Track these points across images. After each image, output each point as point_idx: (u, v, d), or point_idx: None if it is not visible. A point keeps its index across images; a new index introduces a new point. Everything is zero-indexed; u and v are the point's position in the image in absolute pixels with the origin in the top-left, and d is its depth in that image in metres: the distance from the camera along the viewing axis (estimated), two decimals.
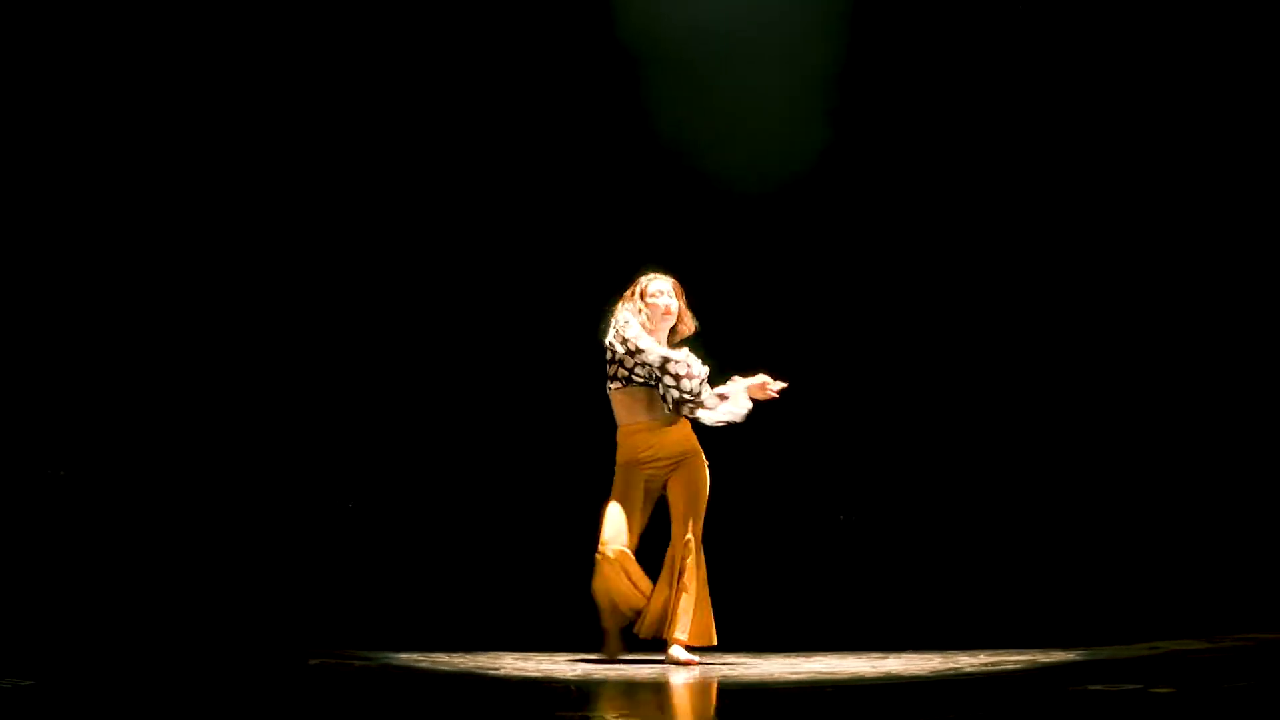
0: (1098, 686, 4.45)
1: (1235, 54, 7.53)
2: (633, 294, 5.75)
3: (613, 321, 5.69)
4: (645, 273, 5.81)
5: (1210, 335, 7.59)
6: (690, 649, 5.68)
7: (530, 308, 7.40)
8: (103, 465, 7.18)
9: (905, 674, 5.09)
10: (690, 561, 5.65)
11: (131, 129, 7.36)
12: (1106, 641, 5.98)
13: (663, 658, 5.66)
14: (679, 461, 5.73)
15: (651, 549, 5.72)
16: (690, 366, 5.55)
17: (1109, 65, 7.64)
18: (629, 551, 5.57)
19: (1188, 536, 7.39)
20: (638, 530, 5.66)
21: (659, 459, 5.71)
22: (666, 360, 5.51)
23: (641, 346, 5.56)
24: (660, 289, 5.75)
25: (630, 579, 5.57)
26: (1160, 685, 4.43)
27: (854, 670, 5.31)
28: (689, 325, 5.81)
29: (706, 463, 5.77)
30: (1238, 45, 7.52)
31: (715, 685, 5.00)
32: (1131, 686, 4.39)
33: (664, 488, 5.76)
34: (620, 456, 5.74)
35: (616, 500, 5.66)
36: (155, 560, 7.06)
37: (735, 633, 6.34)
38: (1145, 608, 7.04)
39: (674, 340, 5.79)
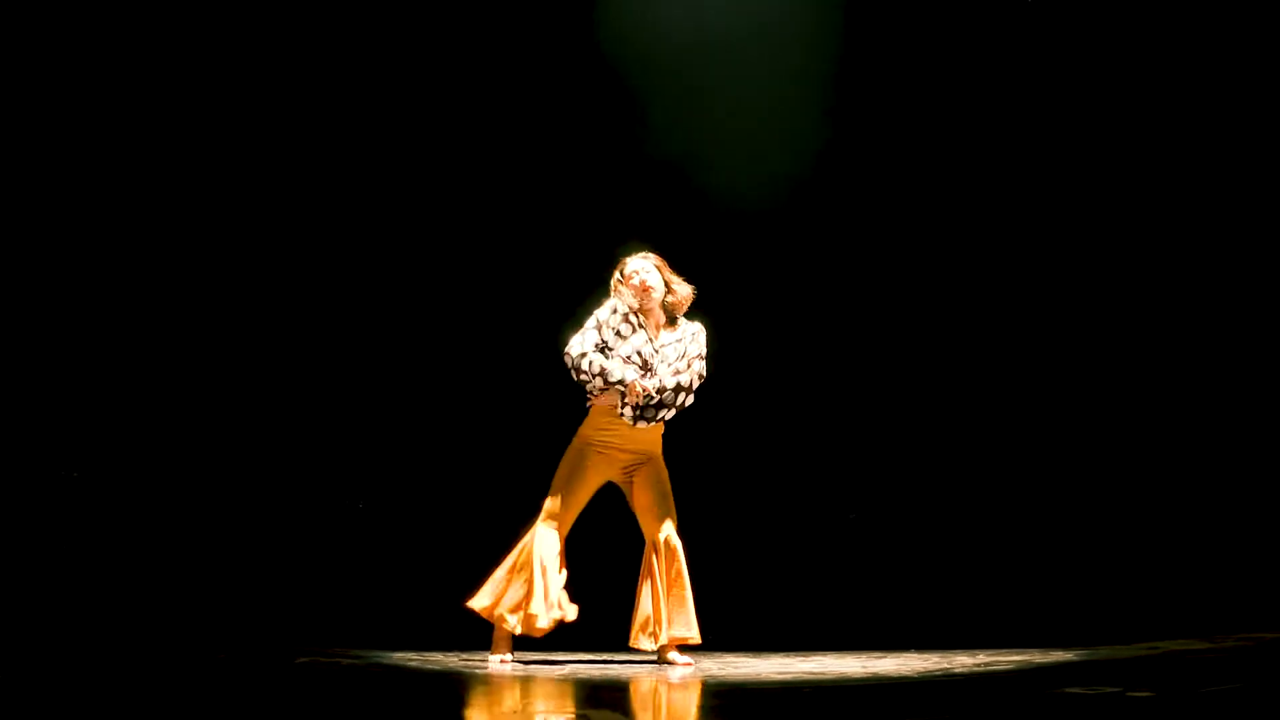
0: (1076, 689, 4.41)
1: (1235, 54, 7.42)
2: (616, 282, 5.77)
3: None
4: (625, 254, 5.82)
5: (1211, 334, 7.48)
6: (683, 649, 5.68)
7: (528, 315, 7.38)
8: (115, 467, 7.24)
9: (892, 675, 5.05)
10: (677, 563, 5.63)
11: (146, 137, 7.41)
12: (1111, 641, 5.94)
13: (655, 659, 5.67)
14: (644, 460, 5.71)
15: (631, 551, 5.75)
16: (587, 359, 5.61)
17: (1109, 63, 7.56)
18: (557, 569, 5.58)
19: (1195, 535, 7.29)
20: (573, 519, 5.69)
21: (625, 449, 5.70)
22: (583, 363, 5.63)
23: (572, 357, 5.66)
24: (637, 268, 5.75)
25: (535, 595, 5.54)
26: (1144, 688, 4.38)
27: (843, 670, 5.29)
28: (680, 294, 5.76)
29: None
30: (1237, 45, 7.41)
31: (698, 685, 4.99)
32: (1110, 690, 4.34)
33: (628, 484, 5.74)
34: (584, 429, 5.72)
35: (564, 485, 5.66)
36: (163, 560, 7.12)
37: (739, 632, 6.35)
38: (1153, 607, 6.95)
39: (672, 311, 5.77)
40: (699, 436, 7.34)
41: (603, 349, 5.68)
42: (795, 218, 7.70)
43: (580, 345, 5.68)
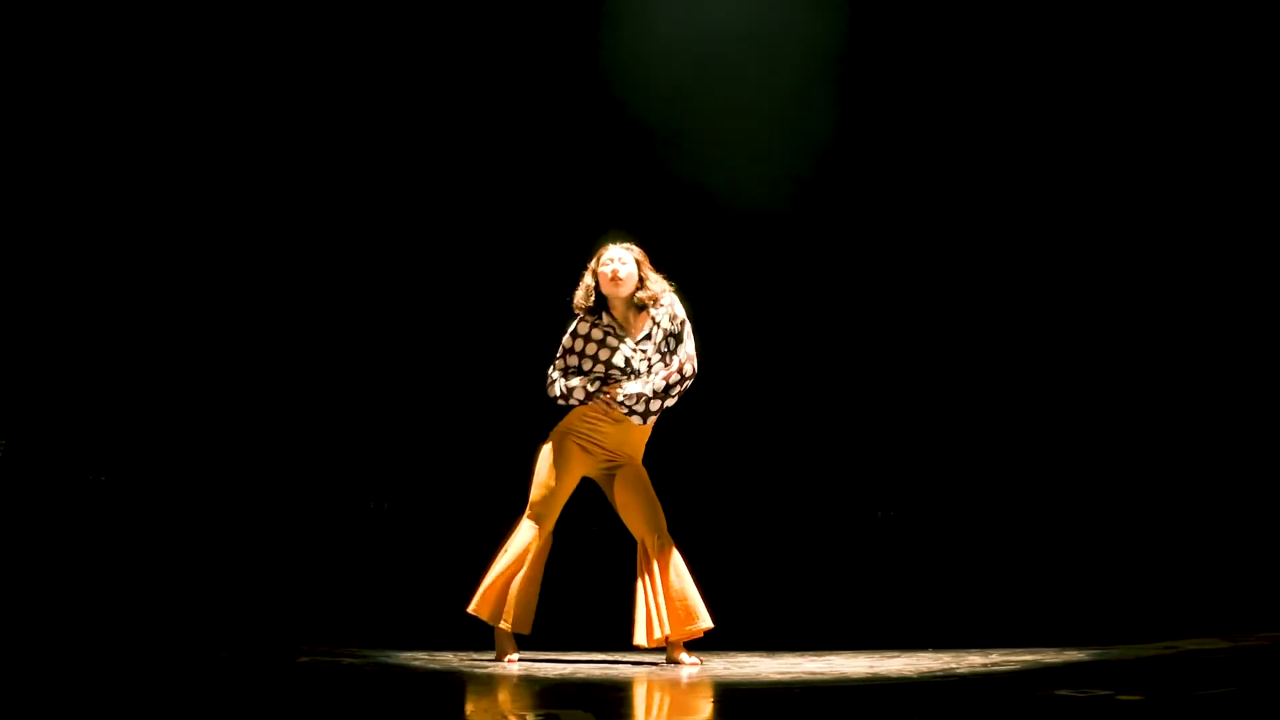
0: (1066, 692, 4.33)
1: (1239, 54, 7.26)
2: (591, 269, 5.73)
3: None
4: (606, 241, 5.76)
5: (1231, 333, 7.32)
6: (691, 647, 5.65)
7: (535, 319, 7.40)
8: (133, 468, 7.38)
9: (891, 675, 4.98)
10: (670, 557, 5.58)
11: (168, 149, 7.55)
12: (1132, 640, 5.82)
13: (665, 659, 5.64)
14: (624, 461, 5.66)
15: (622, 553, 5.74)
16: (554, 386, 5.64)
17: (1115, 65, 7.43)
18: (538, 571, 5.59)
19: (1226, 531, 7.14)
20: (559, 509, 5.65)
21: (604, 447, 5.65)
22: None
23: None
24: (610, 257, 5.67)
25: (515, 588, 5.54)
26: (1141, 691, 4.30)
27: (844, 671, 5.23)
28: (653, 290, 5.64)
29: None
30: (1241, 45, 7.25)
31: (689, 685, 4.96)
32: (1101, 693, 4.26)
33: (607, 483, 5.70)
34: (570, 416, 5.68)
35: (547, 475, 5.61)
36: (185, 561, 7.25)
37: (757, 630, 6.33)
38: (1182, 605, 6.81)
39: (637, 300, 5.66)
40: (723, 436, 7.36)
41: (577, 371, 5.66)
42: (810, 217, 7.67)
43: (549, 376, 5.70)
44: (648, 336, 5.65)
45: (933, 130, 7.62)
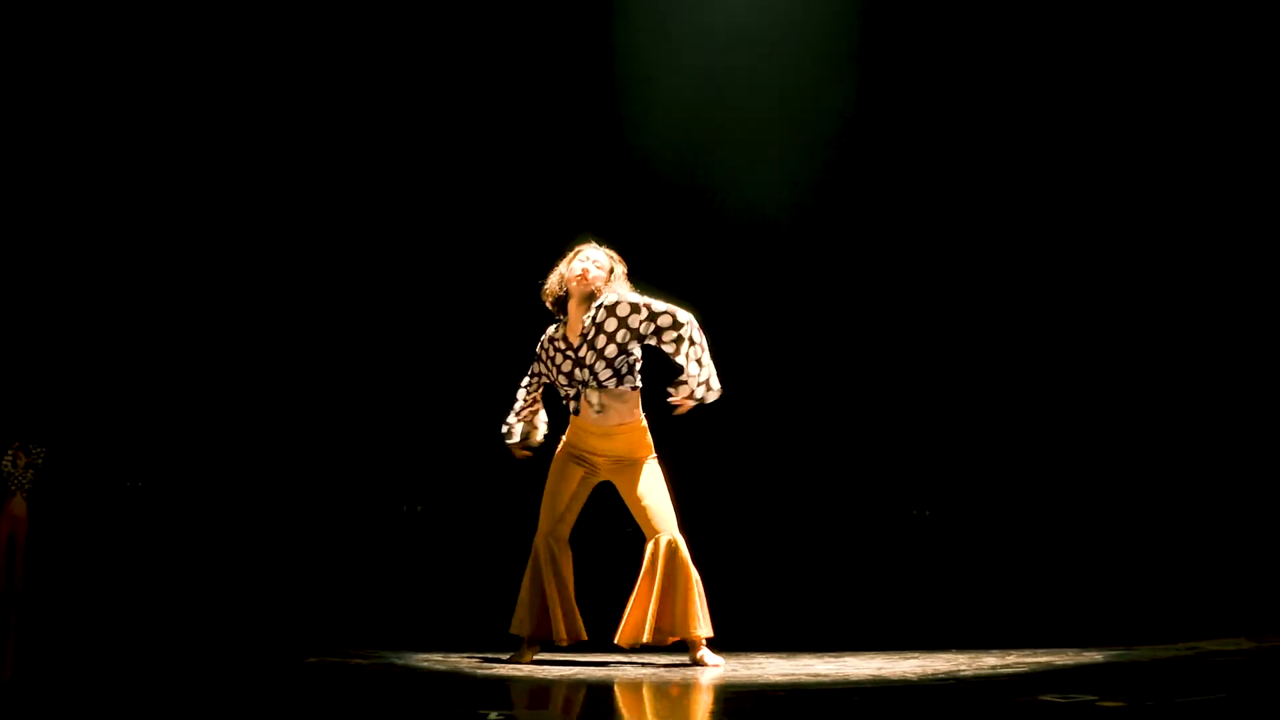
0: (1051, 697, 4.25)
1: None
2: (568, 260, 5.73)
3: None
4: (586, 240, 5.76)
5: (1264, 343, 7.11)
6: (712, 646, 5.60)
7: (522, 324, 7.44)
8: (174, 476, 7.55)
9: (893, 678, 4.93)
10: (667, 561, 5.55)
11: (177, 150, 7.69)
12: (1156, 641, 5.69)
13: (685, 659, 5.61)
14: (627, 464, 5.63)
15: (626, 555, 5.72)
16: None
17: (1129, 68, 7.24)
18: (563, 571, 5.61)
19: (1259, 532, 6.94)
20: (571, 520, 5.67)
21: (597, 453, 5.66)
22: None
23: None
24: (587, 255, 5.67)
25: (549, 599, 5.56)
26: (1139, 696, 4.21)
27: (847, 673, 5.17)
28: (605, 289, 5.60)
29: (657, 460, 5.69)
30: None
31: (680, 685, 4.95)
32: (1084, 698, 4.17)
33: (618, 486, 5.69)
34: (565, 436, 5.74)
35: (549, 492, 5.67)
36: (225, 565, 7.41)
37: (782, 631, 6.30)
38: (1217, 604, 6.64)
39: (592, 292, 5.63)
40: (768, 438, 7.34)
41: (538, 377, 5.82)
42: (846, 218, 7.60)
43: (521, 389, 5.91)
44: (586, 340, 5.63)
45: (943, 132, 7.51)
